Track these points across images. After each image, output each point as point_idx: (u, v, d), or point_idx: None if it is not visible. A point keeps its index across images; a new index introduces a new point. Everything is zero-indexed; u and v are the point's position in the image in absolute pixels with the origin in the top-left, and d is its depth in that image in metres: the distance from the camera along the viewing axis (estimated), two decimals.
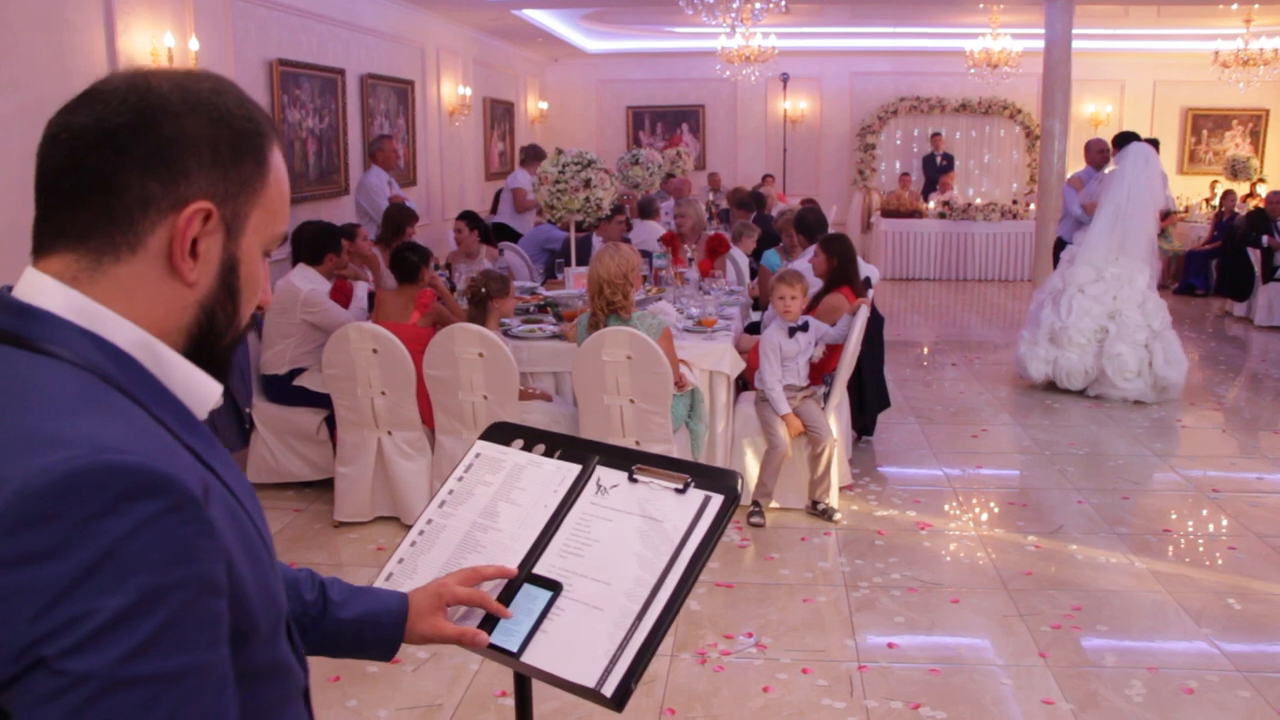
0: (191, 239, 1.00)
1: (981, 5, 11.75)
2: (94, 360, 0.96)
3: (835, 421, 5.46)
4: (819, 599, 4.50)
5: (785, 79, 16.39)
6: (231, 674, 0.94)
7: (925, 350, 9.96)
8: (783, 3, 9.23)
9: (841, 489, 5.62)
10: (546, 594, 1.53)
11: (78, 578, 0.83)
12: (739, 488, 1.54)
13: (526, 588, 1.55)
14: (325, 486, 5.62)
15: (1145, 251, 8.01)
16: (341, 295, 5.92)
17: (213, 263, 1.03)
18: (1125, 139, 8.30)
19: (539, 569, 1.57)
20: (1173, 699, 3.68)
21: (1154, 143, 10.91)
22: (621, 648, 1.44)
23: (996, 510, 5.63)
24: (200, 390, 1.05)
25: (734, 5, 9.41)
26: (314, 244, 5.80)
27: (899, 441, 6.77)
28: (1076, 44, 10.03)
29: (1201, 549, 5.11)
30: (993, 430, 7.08)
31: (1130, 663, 3.95)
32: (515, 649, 1.49)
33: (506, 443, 1.79)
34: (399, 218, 7.49)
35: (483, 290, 5.22)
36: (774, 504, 5.41)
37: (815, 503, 5.39)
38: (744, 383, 5.76)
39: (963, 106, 16.70)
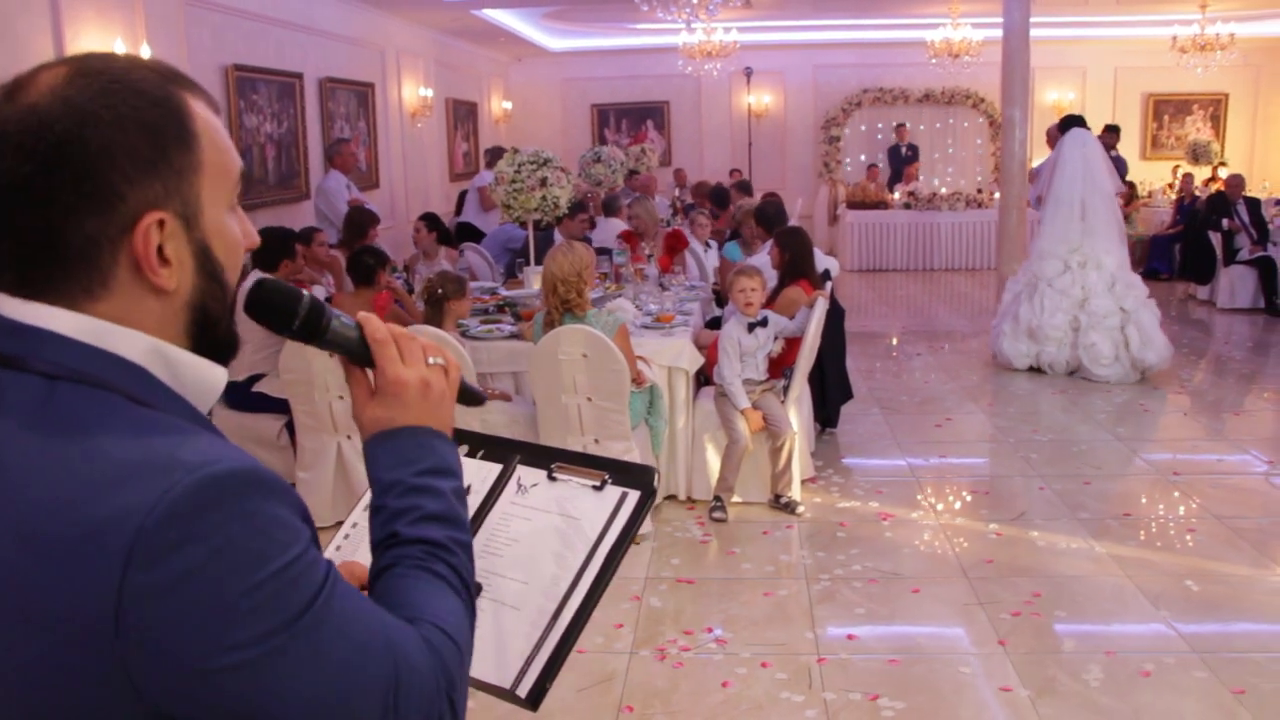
0: (156, 250, 0.94)
1: None
2: (104, 376, 0.92)
3: (796, 415, 5.46)
4: (780, 592, 4.49)
5: (749, 73, 16.40)
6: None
7: (893, 341, 9.98)
8: None
9: (804, 482, 5.62)
10: None
11: (225, 585, 0.86)
12: (655, 483, 1.53)
13: None
14: None
15: (1106, 232, 8.06)
16: None
17: (186, 260, 0.98)
18: (1068, 124, 8.36)
19: None
20: (1130, 682, 3.70)
21: (1115, 128, 10.96)
22: (538, 648, 1.42)
23: (959, 499, 5.64)
24: (209, 380, 1.02)
25: (692, 0, 9.40)
26: (268, 251, 5.74)
27: (863, 433, 6.78)
28: (1037, 32, 10.04)
29: (1163, 532, 5.14)
30: (957, 419, 7.10)
31: (1088, 647, 3.97)
32: None
33: None
34: (360, 220, 7.44)
35: (439, 291, 5.20)
36: (736, 498, 5.40)
37: (777, 496, 5.39)
38: (704, 378, 5.75)
39: (926, 97, 16.76)
